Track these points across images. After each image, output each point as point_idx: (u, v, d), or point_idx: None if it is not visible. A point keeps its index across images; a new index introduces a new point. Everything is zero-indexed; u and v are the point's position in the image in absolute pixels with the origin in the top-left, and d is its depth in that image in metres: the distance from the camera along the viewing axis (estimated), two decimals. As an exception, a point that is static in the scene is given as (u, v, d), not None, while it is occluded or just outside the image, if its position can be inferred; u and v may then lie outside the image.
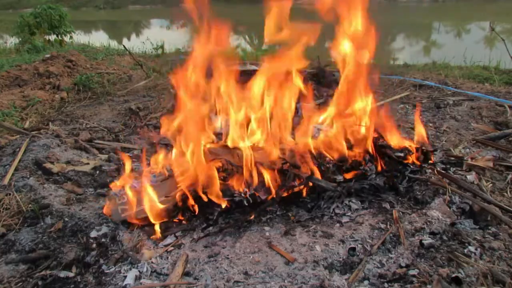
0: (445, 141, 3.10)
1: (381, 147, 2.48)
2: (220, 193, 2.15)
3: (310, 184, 2.29)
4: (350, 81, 2.50)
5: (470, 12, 18.92)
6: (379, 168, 2.42)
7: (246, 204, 2.16)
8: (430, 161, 2.56)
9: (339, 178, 2.33)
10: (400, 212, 2.20)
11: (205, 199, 2.15)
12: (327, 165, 2.37)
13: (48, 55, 5.84)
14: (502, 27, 12.45)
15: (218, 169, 2.22)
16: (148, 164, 2.46)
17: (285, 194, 2.27)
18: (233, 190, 2.18)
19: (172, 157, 2.37)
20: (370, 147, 2.44)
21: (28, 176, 2.69)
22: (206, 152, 2.29)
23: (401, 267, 1.79)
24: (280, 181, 2.26)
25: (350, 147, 2.46)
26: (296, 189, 2.27)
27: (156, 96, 4.69)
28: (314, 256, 1.89)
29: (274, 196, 2.21)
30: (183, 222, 2.19)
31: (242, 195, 2.16)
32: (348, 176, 2.37)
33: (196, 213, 2.19)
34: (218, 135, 2.61)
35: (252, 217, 2.17)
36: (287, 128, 2.50)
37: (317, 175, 2.30)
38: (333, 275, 1.77)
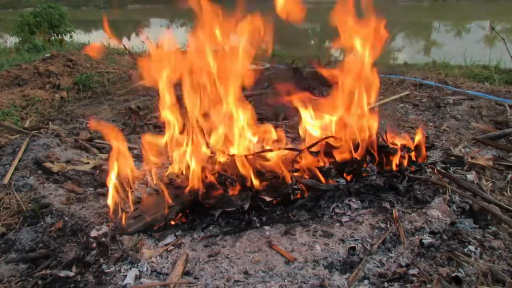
0: (445, 140, 3.10)
1: (382, 148, 2.48)
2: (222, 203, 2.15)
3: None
4: (350, 81, 2.49)
5: (470, 12, 18.91)
6: (380, 169, 2.41)
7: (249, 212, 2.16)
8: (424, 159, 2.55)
9: (342, 181, 2.32)
10: (400, 212, 2.20)
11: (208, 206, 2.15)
12: (329, 169, 2.37)
13: (48, 55, 5.84)
14: (502, 26, 12.44)
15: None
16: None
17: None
18: (235, 201, 2.16)
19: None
20: (372, 148, 2.44)
21: (28, 176, 2.69)
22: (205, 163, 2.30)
23: (401, 266, 1.79)
24: (282, 185, 2.26)
25: (353, 150, 2.44)
26: (299, 195, 2.27)
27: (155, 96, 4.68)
28: (314, 255, 1.89)
29: (277, 201, 2.21)
30: (183, 221, 2.19)
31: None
32: (349, 178, 2.37)
33: (198, 215, 2.19)
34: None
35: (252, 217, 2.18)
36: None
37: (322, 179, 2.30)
38: (333, 274, 1.77)
